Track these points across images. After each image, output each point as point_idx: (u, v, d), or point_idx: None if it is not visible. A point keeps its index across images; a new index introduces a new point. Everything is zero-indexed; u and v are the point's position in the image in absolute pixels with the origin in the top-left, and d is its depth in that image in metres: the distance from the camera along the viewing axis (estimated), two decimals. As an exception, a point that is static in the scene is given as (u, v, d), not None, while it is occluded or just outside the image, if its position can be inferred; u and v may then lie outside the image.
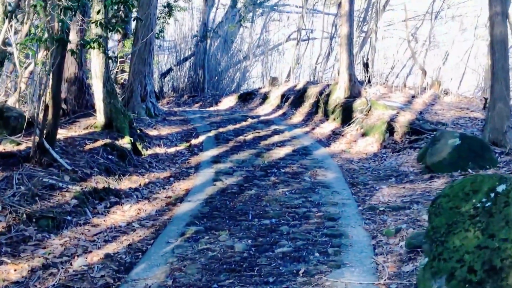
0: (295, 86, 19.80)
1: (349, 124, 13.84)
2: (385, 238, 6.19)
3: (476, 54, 20.03)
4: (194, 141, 12.41)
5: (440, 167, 8.87)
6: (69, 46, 8.76)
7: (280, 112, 17.80)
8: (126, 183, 8.65)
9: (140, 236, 6.64)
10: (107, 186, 8.12)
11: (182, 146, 11.88)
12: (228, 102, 23.36)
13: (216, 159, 10.63)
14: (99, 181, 8.20)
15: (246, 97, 22.62)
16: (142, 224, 7.06)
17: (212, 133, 13.33)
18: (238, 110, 20.46)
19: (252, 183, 8.87)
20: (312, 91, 17.25)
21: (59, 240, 6.16)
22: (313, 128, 14.49)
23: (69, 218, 6.69)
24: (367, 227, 6.62)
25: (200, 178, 9.31)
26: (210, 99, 25.26)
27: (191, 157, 10.98)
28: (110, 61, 11.22)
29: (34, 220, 6.35)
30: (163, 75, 30.94)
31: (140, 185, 8.72)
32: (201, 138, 12.81)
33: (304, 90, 18.01)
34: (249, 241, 6.24)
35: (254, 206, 7.65)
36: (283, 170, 9.78)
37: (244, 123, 15.11)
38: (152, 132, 12.84)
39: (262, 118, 16.53)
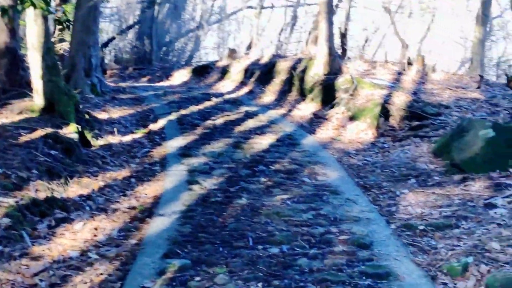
0: (260, 59, 18.00)
1: (332, 106, 12.17)
2: (449, 280, 4.54)
3: (462, 27, 18.54)
4: (153, 127, 10.50)
5: (473, 165, 7.28)
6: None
7: (246, 89, 15.99)
8: (75, 189, 6.73)
9: (101, 274, 4.79)
10: (51, 195, 6.20)
11: (139, 133, 9.95)
12: (180, 76, 21.39)
13: (185, 151, 8.78)
14: (40, 189, 6.29)
15: (202, 71, 20.73)
16: (102, 254, 5.20)
17: (173, 116, 11.43)
18: (194, 86, 18.53)
19: (239, 187, 7.09)
20: (283, 66, 15.48)
21: (-17, 290, 4.30)
22: (290, 110, 12.75)
23: (-3, 248, 4.83)
24: (417, 260, 4.94)
25: (170, 179, 7.46)
26: (160, 73, 23.23)
27: (153, 148, 9.09)
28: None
29: None
30: (104, 45, 28.59)
31: (93, 190, 6.81)
32: (161, 122, 10.91)
33: (272, 65, 16.23)
34: (260, 284, 4.50)
35: (252, 223, 5.88)
36: (273, 168, 8.02)
37: (208, 103, 13.25)
38: (102, 115, 10.86)
39: (226, 96, 14.68)
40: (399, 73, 13.94)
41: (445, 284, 4.49)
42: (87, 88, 13.11)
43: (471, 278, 4.47)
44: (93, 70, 13.59)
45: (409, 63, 14.75)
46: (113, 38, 28.53)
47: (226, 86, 17.28)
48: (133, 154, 8.67)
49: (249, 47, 21.68)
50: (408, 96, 11.34)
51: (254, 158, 8.51)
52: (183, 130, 10.28)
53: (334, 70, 13.42)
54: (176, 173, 7.70)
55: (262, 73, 16.43)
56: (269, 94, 14.65)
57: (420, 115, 10.39)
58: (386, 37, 19.43)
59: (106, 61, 28.25)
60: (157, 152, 8.81)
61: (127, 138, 9.54)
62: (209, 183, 7.22)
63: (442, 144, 8.21)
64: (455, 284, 4.47)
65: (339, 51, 15.50)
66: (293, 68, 14.74)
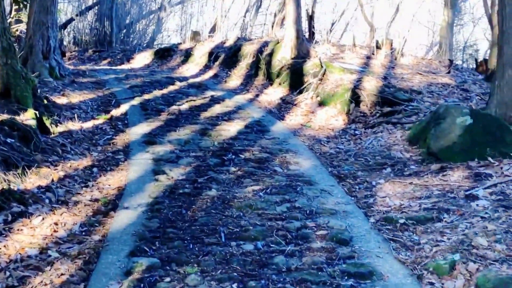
0: (224, 42, 17.59)
1: (301, 91, 11.88)
2: (436, 279, 4.30)
3: (430, 9, 18.31)
4: (115, 112, 10.05)
5: (451, 154, 7.06)
6: None
7: (211, 73, 15.58)
8: (33, 179, 6.30)
9: (63, 274, 4.43)
10: (7, 187, 5.78)
11: (101, 119, 9.50)
12: (142, 59, 20.84)
13: (149, 139, 8.39)
14: (-5, 180, 5.85)
15: (164, 54, 20.21)
16: (63, 252, 4.82)
17: (136, 101, 10.99)
18: (157, 69, 18.03)
19: (208, 177, 6.74)
20: (248, 50, 15.12)
21: None
22: (257, 95, 12.41)
23: None
24: (401, 258, 4.68)
25: (135, 168, 7.07)
26: (121, 55, 22.62)
27: (116, 135, 8.67)
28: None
29: None
30: (63, 26, 27.77)
31: (52, 181, 6.39)
32: (124, 107, 10.46)
33: (237, 48, 15.84)
34: (234, 286, 4.20)
35: (223, 217, 5.55)
36: (242, 156, 7.69)
37: (172, 87, 12.83)
38: (61, 100, 10.35)
39: (191, 80, 14.26)
40: (368, 57, 13.71)
41: (432, 284, 4.24)
42: (45, 71, 12.55)
43: (459, 277, 4.23)
44: (52, 53, 13.02)
45: (378, 47, 14.53)
46: (72, 19, 27.69)
47: (190, 69, 16.84)
48: (95, 142, 8.23)
49: (212, 30, 21.20)
50: (379, 81, 11.11)
51: (222, 146, 8.17)
52: (147, 116, 9.87)
53: (302, 54, 13.12)
54: (141, 162, 7.32)
55: (227, 56, 16.04)
56: (235, 78, 14.28)
57: (391, 100, 10.16)
58: (354, 20, 19.14)
59: (65, 43, 27.46)
60: (120, 140, 8.40)
61: (88, 124, 9.09)
62: (176, 173, 6.86)
63: (418, 132, 7.98)
64: (442, 284, 4.22)
65: (307, 34, 15.19)
66: (260, 51, 14.39)
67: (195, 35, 20.54)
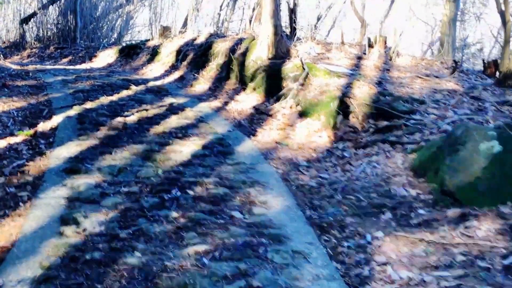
0: (195, 39, 15.67)
1: (278, 98, 10.01)
2: None
3: (427, 2, 16.42)
4: (43, 126, 8.13)
5: (474, 194, 5.22)
6: None
7: (176, 75, 13.66)
8: None
9: None
10: None
11: (20, 136, 7.57)
12: (106, 57, 18.90)
13: (73, 165, 6.46)
14: None
15: (130, 52, 18.27)
16: None
17: (74, 111, 9.06)
18: (118, 69, 16.10)
19: (136, 230, 4.84)
20: (220, 48, 13.22)
21: None
22: (226, 103, 10.51)
23: None
24: None
25: (37, 213, 5.16)
26: (83, 53, 20.68)
27: (32, 159, 6.73)
28: None
29: None
30: (25, 20, 25.79)
31: None
32: (56, 119, 8.53)
33: (208, 46, 13.93)
34: None
35: (140, 309, 3.68)
36: (191, 193, 5.79)
37: (125, 93, 10.91)
38: (-24, 110, 8.43)
39: (151, 84, 12.33)
40: (359, 58, 11.85)
41: None
42: (-29, 72, 10.62)
43: None
44: (-19, 50, 11.06)
45: (370, 45, 12.69)
46: (35, 13, 25.70)
47: (154, 70, 14.92)
48: (-1, 169, 6.32)
49: (184, 25, 19.27)
50: (372, 87, 9.26)
51: (168, 176, 6.26)
52: (81, 131, 7.95)
53: (280, 54, 11.24)
54: (50, 203, 5.41)
55: (196, 55, 14.12)
56: (203, 82, 12.36)
57: (388, 112, 8.32)
58: (342, 15, 17.24)
59: (28, 38, 25.45)
60: (35, 167, 6.47)
61: (1, 143, 7.17)
62: (92, 222, 4.96)
63: (426, 159, 6.13)
64: None
65: (287, 30, 13.32)
66: (232, 50, 12.50)
67: (165, 30, 18.58)
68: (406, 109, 8.37)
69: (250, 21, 15.92)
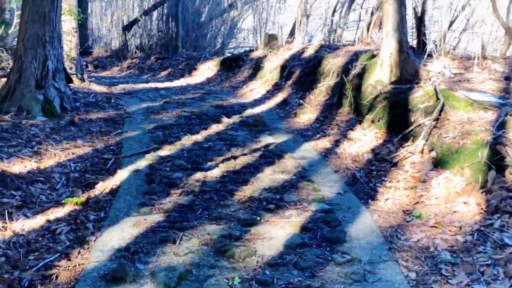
0: (303, 51, 13.74)
1: (404, 137, 7.89)
2: None
3: None
4: (100, 188, 6.47)
5: None
6: None
7: (279, 98, 11.78)
8: None
9: None
10: None
11: (68, 206, 5.92)
12: (205, 70, 17.39)
13: (119, 268, 4.62)
14: None
15: (231, 64, 16.63)
16: None
17: (146, 161, 7.38)
18: (215, 88, 14.45)
19: None
20: (331, 65, 11.20)
21: None
22: (337, 142, 8.50)
23: None
24: None
25: None
26: (183, 64, 19.30)
27: (69, 251, 5.01)
28: None
29: None
30: (127, 27, 24.92)
31: None
32: (121, 175, 6.85)
33: (317, 61, 11.95)
34: None
35: None
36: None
37: (214, 128, 9.16)
38: (24, 164, 6.87)
39: (248, 112, 10.52)
40: (507, 78, 9.44)
41: None
42: (37, 107, 9.21)
43: None
44: (50, 79, 9.63)
45: (517, 58, 10.24)
46: (137, 19, 24.77)
47: (255, 90, 13.13)
48: (13, 274, 4.62)
49: (291, 33, 17.36)
50: (536, 127, 6.94)
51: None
52: (146, 197, 6.21)
53: (406, 76, 9.08)
54: None
55: (303, 72, 12.20)
56: (309, 110, 10.37)
57: None
58: (479, 19, 14.63)
59: (130, 47, 24.57)
60: (69, 268, 4.73)
61: (35, 221, 5.53)
62: None
63: None
64: None
65: (414, 43, 11.07)
66: (346, 69, 10.44)
67: (271, 39, 16.78)
68: None
69: (368, 28, 13.80)
